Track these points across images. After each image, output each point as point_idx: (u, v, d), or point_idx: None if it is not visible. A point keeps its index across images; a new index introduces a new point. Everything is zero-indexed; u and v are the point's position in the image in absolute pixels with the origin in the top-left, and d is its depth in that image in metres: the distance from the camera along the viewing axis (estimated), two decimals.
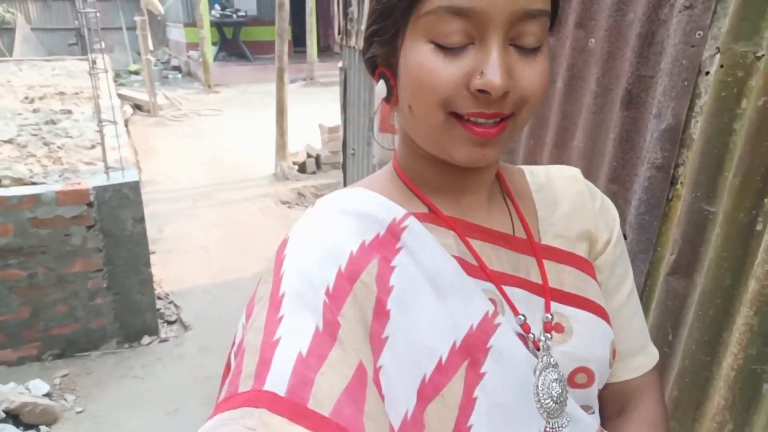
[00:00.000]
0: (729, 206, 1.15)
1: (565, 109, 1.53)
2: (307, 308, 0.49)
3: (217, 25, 12.99)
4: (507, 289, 0.60)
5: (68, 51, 13.02)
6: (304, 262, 0.52)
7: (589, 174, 1.46)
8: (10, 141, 3.77)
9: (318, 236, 0.55)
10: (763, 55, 1.09)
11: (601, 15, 1.42)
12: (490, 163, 0.58)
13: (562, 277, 0.64)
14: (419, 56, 0.52)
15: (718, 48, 1.17)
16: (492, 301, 0.57)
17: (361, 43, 3.32)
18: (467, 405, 0.52)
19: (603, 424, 0.71)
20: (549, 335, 0.60)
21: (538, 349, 0.58)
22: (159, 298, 3.66)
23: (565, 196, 0.69)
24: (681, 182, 1.28)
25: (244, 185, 6.22)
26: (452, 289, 0.55)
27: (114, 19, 15.56)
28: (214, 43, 12.93)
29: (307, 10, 11.48)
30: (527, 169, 0.72)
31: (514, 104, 0.52)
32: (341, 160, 4.02)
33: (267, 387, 0.43)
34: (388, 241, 0.56)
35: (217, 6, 13.06)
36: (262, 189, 6.08)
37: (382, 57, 0.57)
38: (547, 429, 0.57)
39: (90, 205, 2.89)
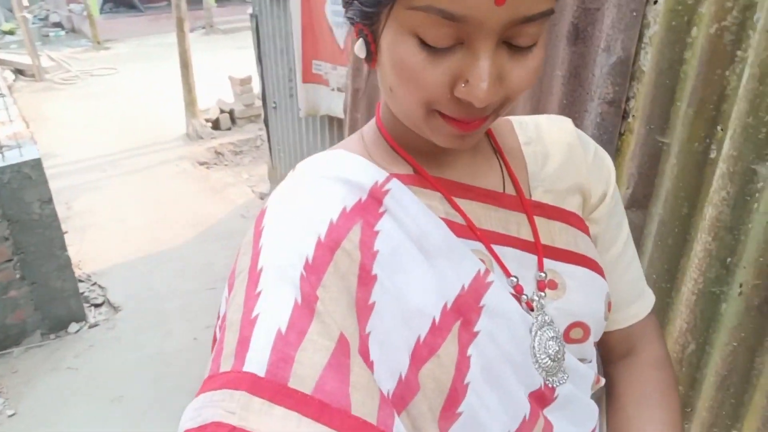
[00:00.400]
0: (683, 136, 1.16)
1: None
2: (286, 282, 0.47)
3: None
4: (497, 248, 0.58)
5: None
6: (282, 235, 0.51)
7: (537, 111, 1.44)
8: None
9: (296, 205, 0.53)
10: None
11: None
12: (467, 148, 0.56)
13: (554, 233, 0.62)
14: (402, 49, 0.47)
15: None
16: (482, 261, 0.56)
17: None
18: (462, 363, 0.52)
19: (610, 366, 0.74)
20: (543, 293, 0.59)
21: (532, 310, 0.58)
22: (81, 281, 3.40)
23: (555, 149, 0.66)
24: (633, 116, 1.28)
25: (156, 148, 5.84)
26: (440, 251, 0.54)
27: None
28: None
29: None
30: (515, 120, 0.69)
31: (497, 103, 0.50)
32: (260, 114, 3.82)
33: (246, 368, 0.43)
34: (371, 205, 0.54)
35: None
36: (176, 151, 5.73)
37: (362, 15, 0.50)
38: (546, 385, 0.57)
39: None
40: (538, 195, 0.63)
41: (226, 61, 7.65)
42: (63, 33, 11.92)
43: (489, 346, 0.54)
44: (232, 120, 6.24)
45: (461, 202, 0.59)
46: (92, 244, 3.94)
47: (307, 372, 0.43)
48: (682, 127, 1.15)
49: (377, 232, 0.53)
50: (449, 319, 0.52)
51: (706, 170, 1.16)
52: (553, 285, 0.60)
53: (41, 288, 2.90)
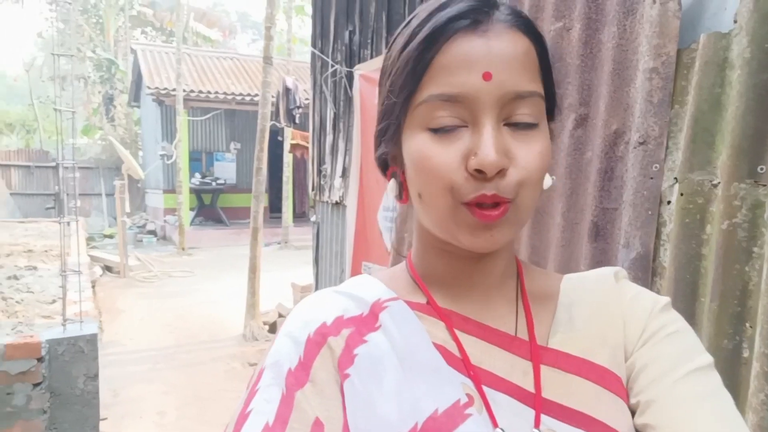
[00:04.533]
0: (711, 332, 1.12)
1: (534, 244, 1.54)
2: (278, 378, 0.54)
3: (197, 192, 13.45)
4: (491, 392, 0.54)
5: (45, 215, 13.18)
6: (282, 336, 0.58)
7: None
8: None
9: (303, 311, 0.60)
10: (718, 183, 1.13)
11: (559, 155, 1.49)
12: (497, 247, 0.55)
13: (568, 388, 0.55)
14: (418, 144, 0.53)
15: (675, 178, 1.22)
16: (468, 396, 0.53)
17: (333, 197, 3.43)
18: None
19: None
20: None
21: None
22: None
23: (589, 296, 0.62)
24: None
25: (211, 346, 5.96)
26: (424, 372, 0.54)
27: (94, 185, 16.07)
28: (192, 209, 13.28)
29: (284, 178, 12.09)
30: (567, 276, 0.66)
31: (513, 186, 0.52)
32: None
33: None
34: (369, 320, 0.58)
35: (197, 174, 13.64)
36: (230, 350, 5.82)
37: (390, 155, 0.60)
38: None
39: (40, 360, 2.69)
40: (556, 343, 0.58)
41: (293, 272, 8.09)
42: (155, 239, 13.22)
43: None
44: None
45: (465, 337, 0.58)
46: None
47: None
48: (708, 323, 1.12)
49: (365, 341, 0.56)
50: None
51: (740, 370, 1.09)
52: None
53: None
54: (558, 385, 0.55)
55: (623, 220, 1.31)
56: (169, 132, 13.43)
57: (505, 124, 0.52)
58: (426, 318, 0.59)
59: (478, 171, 0.50)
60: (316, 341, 0.56)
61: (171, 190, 13.00)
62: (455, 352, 0.56)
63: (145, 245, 12.62)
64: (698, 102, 1.18)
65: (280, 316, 6.44)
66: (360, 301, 0.59)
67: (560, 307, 0.61)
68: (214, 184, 13.62)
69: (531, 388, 0.55)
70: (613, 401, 0.56)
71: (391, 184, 0.60)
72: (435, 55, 0.52)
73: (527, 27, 0.54)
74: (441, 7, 0.53)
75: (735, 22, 1.16)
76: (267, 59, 5.98)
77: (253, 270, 6.27)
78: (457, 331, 0.58)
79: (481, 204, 0.52)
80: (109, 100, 18.06)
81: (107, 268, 9.40)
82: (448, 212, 0.53)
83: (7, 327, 3.00)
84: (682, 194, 1.18)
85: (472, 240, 0.54)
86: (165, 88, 12.35)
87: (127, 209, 9.33)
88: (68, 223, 3.15)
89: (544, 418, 0.54)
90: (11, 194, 15.23)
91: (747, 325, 1.08)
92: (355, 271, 2.87)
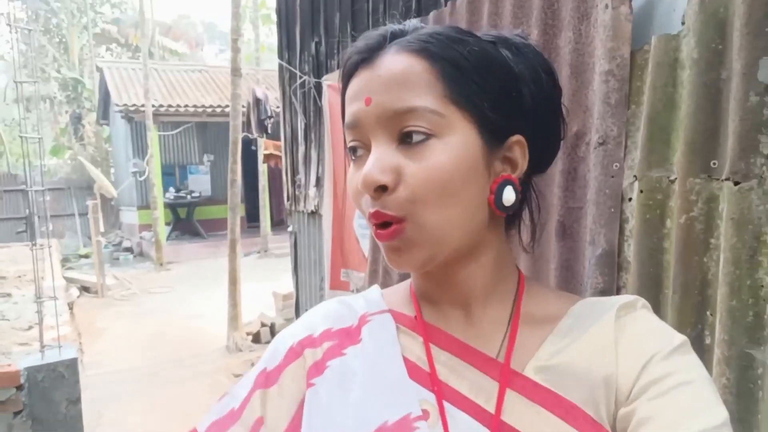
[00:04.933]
0: (675, 322, 1.16)
1: None
2: (255, 374, 0.63)
3: (171, 206, 13.30)
4: (451, 408, 0.56)
5: (17, 239, 12.93)
6: (275, 341, 0.66)
7: None
8: None
9: (301, 321, 0.67)
10: (675, 179, 1.18)
11: None
12: (413, 268, 0.56)
13: (531, 417, 0.54)
14: (349, 169, 0.60)
15: (635, 176, 1.26)
16: (425, 411, 0.55)
17: (308, 206, 3.45)
18: None
19: None
20: None
21: None
22: None
23: (589, 325, 0.57)
24: None
25: (194, 361, 5.91)
26: (385, 383, 0.57)
27: (66, 206, 15.78)
28: (167, 223, 13.13)
29: (260, 187, 12.03)
30: (583, 300, 0.62)
31: (400, 204, 0.53)
32: None
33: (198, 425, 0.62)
34: (355, 332, 0.62)
35: (171, 188, 13.48)
36: (214, 363, 5.78)
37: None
38: None
39: (20, 388, 2.65)
40: (531, 370, 0.56)
41: (274, 281, 8.06)
42: (131, 257, 13.03)
43: None
44: (272, 333, 6.36)
45: (441, 353, 0.59)
46: None
47: None
48: (672, 313, 1.17)
49: (343, 354, 0.60)
50: None
51: (704, 357, 1.14)
52: None
53: None
54: (521, 413, 0.54)
55: (588, 219, 1.35)
56: (140, 148, 13.26)
57: (401, 143, 0.54)
58: (407, 332, 0.62)
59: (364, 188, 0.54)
60: (295, 351, 0.62)
61: (145, 206, 12.82)
62: (425, 367, 0.58)
63: (122, 263, 12.44)
64: (653, 101, 1.22)
65: (263, 325, 6.41)
66: (354, 313, 0.64)
67: (554, 333, 0.58)
68: (189, 197, 13.47)
69: (493, 410, 0.55)
70: None
71: None
72: (345, 92, 0.59)
73: (423, 45, 0.54)
74: (352, 48, 0.59)
75: (683, 23, 1.21)
76: (235, 71, 5.97)
77: (233, 282, 6.24)
78: (433, 347, 0.59)
79: (377, 224, 0.54)
80: (77, 120, 17.75)
81: (84, 289, 9.25)
82: (374, 234, 0.57)
83: None
84: (641, 191, 1.23)
85: (388, 260, 0.56)
86: (134, 105, 12.20)
87: (102, 228, 9.20)
88: (41, 247, 3.11)
89: None
90: None
91: (708, 313, 1.13)
92: (335, 279, 2.89)
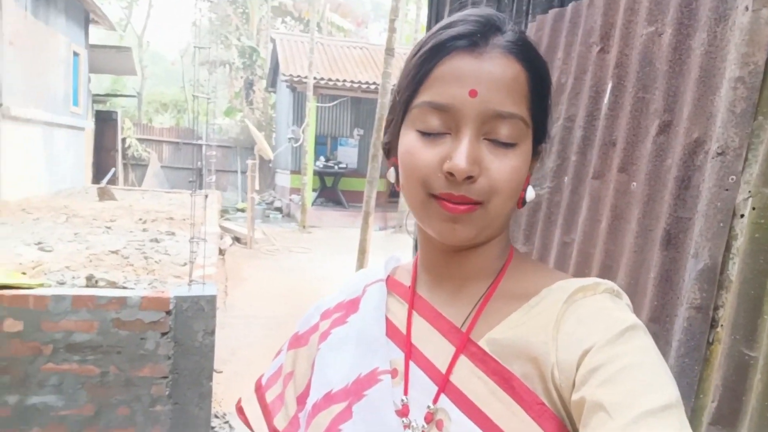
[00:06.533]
0: None
1: (609, 248, 1.55)
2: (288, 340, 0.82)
3: (320, 174, 14.16)
4: (414, 367, 0.64)
5: (188, 187, 14.62)
6: (309, 312, 0.82)
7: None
8: (116, 252, 4.20)
9: (327, 296, 0.81)
10: None
11: (641, 160, 1.49)
12: (461, 242, 0.62)
13: (476, 383, 0.59)
14: (408, 141, 0.61)
15: (750, 192, 1.19)
16: (395, 370, 0.65)
17: None
18: (332, 431, 0.64)
19: None
20: (426, 425, 0.60)
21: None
22: (216, 416, 3.68)
23: (545, 305, 0.61)
24: (721, 325, 1.23)
25: None
26: (367, 343, 0.67)
27: (232, 163, 17.44)
28: (314, 190, 14.01)
29: None
30: (562, 281, 0.63)
31: (481, 192, 0.58)
32: None
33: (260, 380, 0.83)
34: (358, 302, 0.74)
35: (321, 157, 14.34)
36: None
37: (392, 146, 0.67)
38: None
39: (168, 312, 3.10)
40: (485, 341, 0.61)
41: (405, 255, 8.30)
42: (280, 216, 14.16)
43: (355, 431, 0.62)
44: None
45: (419, 319, 0.67)
46: (238, 389, 4.28)
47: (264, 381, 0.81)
48: None
49: (346, 322, 0.73)
50: (342, 396, 0.65)
51: None
52: (440, 425, 0.60)
53: (180, 409, 3.21)
54: (467, 376, 0.60)
55: (695, 230, 1.29)
56: (299, 117, 14.23)
57: (485, 138, 0.59)
58: (397, 299, 0.71)
59: (450, 173, 0.57)
60: (316, 323, 0.78)
61: (297, 171, 13.79)
62: (404, 330, 0.67)
63: (271, 220, 13.55)
64: None
65: None
66: (363, 283, 0.75)
67: (520, 310, 0.62)
68: (336, 167, 14.24)
69: (444, 371, 0.62)
70: (510, 406, 0.57)
71: (391, 172, 0.69)
72: (433, 68, 0.59)
73: (524, 54, 0.60)
74: (448, 26, 0.61)
75: None
76: (389, 50, 6.18)
77: (362, 251, 6.56)
78: (415, 314, 0.68)
79: (449, 199, 0.59)
80: (249, 85, 19.46)
81: (236, 239, 10.25)
82: (421, 203, 0.61)
83: (144, 282, 3.47)
84: (753, 208, 1.16)
85: (437, 230, 0.61)
86: (298, 76, 13.09)
87: (257, 187, 10.09)
88: (200, 196, 3.55)
89: (443, 398, 0.61)
90: (162, 167, 17.01)
91: None
92: None
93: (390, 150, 0.68)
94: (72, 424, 3.03)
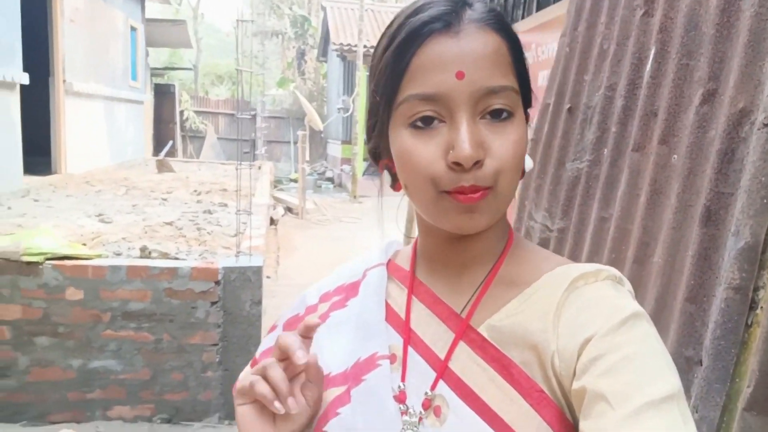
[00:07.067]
0: None
1: (647, 224, 1.49)
2: (284, 318, 0.78)
3: None
4: (413, 353, 0.63)
5: (243, 158, 14.96)
6: (307, 292, 0.80)
7: (667, 292, 1.39)
8: (170, 223, 4.37)
9: (327, 278, 0.80)
10: None
11: (683, 132, 1.41)
12: (478, 230, 0.60)
13: (475, 369, 0.59)
14: (402, 140, 0.58)
15: None
16: (393, 355, 0.64)
17: None
18: (330, 413, 0.63)
19: None
20: (423, 412, 0.60)
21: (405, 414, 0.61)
22: None
23: (546, 292, 0.60)
24: (761, 307, 1.17)
25: None
26: (366, 328, 0.66)
27: (285, 133, 17.69)
28: (365, 160, 14.04)
29: None
30: (564, 266, 0.62)
31: (489, 176, 0.56)
32: None
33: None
34: (357, 286, 0.72)
35: None
36: None
37: (381, 149, 0.65)
38: None
39: (217, 282, 3.22)
40: (485, 328, 0.60)
41: None
42: (331, 186, 14.31)
43: (353, 416, 0.61)
44: None
45: (418, 305, 0.66)
46: None
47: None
48: None
49: (345, 306, 0.71)
50: (340, 380, 0.65)
51: None
52: (437, 411, 0.59)
53: (231, 376, 3.35)
54: (467, 364, 0.59)
55: (736, 207, 1.22)
56: (349, 86, 14.21)
57: (481, 118, 0.56)
58: (397, 283, 0.70)
59: (457, 164, 0.55)
60: (315, 305, 0.76)
61: (348, 141, 13.85)
62: (403, 315, 0.66)
63: (323, 190, 13.73)
64: None
65: None
66: (363, 267, 0.74)
67: (519, 296, 0.61)
68: None
69: (443, 357, 0.61)
70: (508, 393, 0.56)
71: (385, 175, 0.67)
72: (412, 58, 0.56)
73: (499, 24, 0.58)
74: (416, 12, 0.58)
75: None
76: None
77: (410, 221, 6.55)
78: (414, 299, 0.67)
79: (462, 191, 0.56)
80: (301, 55, 19.55)
81: (288, 209, 10.45)
82: (432, 201, 0.58)
83: (195, 253, 3.60)
84: None
85: (454, 223, 0.59)
86: (348, 44, 13.02)
87: (308, 157, 10.21)
88: (259, 167, 3.62)
89: (442, 384, 0.60)
90: (218, 138, 17.45)
91: None
92: None
93: (379, 153, 0.66)
94: (130, 387, 3.22)
